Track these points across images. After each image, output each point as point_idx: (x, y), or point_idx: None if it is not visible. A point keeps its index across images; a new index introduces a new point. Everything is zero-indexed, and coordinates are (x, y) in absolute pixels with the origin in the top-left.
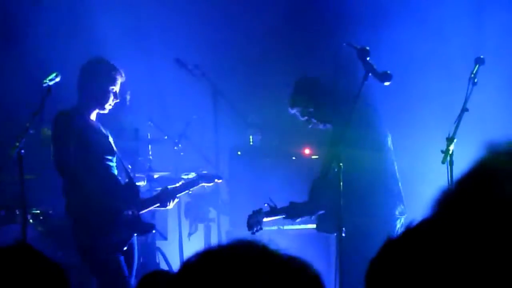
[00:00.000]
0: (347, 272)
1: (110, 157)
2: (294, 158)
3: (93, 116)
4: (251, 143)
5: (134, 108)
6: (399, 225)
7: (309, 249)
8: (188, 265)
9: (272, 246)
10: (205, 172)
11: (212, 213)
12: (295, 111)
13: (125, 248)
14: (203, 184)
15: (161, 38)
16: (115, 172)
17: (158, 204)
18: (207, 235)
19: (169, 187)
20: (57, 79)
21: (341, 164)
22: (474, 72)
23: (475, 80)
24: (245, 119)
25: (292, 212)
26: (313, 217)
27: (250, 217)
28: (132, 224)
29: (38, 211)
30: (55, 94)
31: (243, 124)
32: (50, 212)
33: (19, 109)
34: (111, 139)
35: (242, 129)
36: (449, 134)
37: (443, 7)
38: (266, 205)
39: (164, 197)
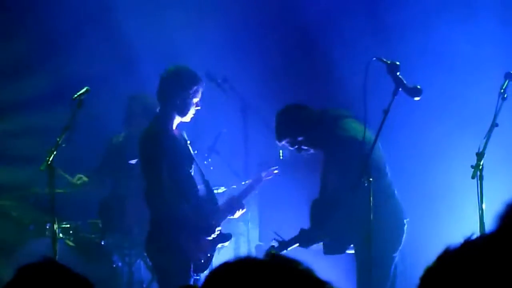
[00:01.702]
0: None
1: (190, 165)
2: None
3: (175, 125)
4: (281, 157)
5: None
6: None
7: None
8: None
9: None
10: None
11: (242, 227)
12: (284, 143)
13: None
14: (265, 178)
15: (191, 52)
16: (194, 179)
17: (230, 215)
18: (237, 249)
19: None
20: (88, 94)
21: (371, 178)
22: (504, 87)
23: (505, 95)
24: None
25: (303, 240)
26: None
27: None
28: (215, 238)
29: (68, 225)
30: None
31: (272, 138)
32: (80, 226)
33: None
34: (189, 142)
35: (272, 143)
36: (479, 149)
37: (474, 21)
38: (273, 241)
39: (234, 206)
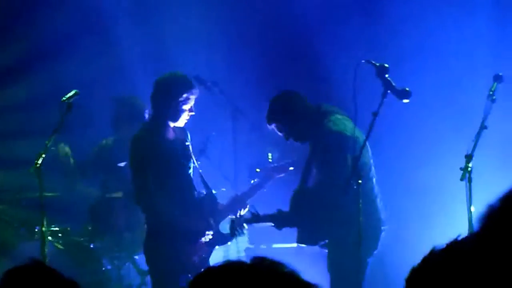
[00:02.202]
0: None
1: (186, 167)
2: None
3: (169, 128)
4: (270, 160)
5: None
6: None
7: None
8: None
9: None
10: (275, 165)
11: None
12: (273, 127)
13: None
14: (278, 175)
15: (181, 55)
16: (191, 180)
17: (231, 214)
18: (226, 252)
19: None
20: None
21: (360, 181)
22: (493, 89)
23: (494, 98)
24: (264, 136)
25: (278, 221)
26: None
27: (231, 222)
28: (212, 239)
29: (57, 228)
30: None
31: (261, 141)
32: (69, 229)
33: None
34: (188, 138)
35: (261, 146)
36: (467, 152)
37: (462, 24)
38: (247, 212)
39: (235, 206)
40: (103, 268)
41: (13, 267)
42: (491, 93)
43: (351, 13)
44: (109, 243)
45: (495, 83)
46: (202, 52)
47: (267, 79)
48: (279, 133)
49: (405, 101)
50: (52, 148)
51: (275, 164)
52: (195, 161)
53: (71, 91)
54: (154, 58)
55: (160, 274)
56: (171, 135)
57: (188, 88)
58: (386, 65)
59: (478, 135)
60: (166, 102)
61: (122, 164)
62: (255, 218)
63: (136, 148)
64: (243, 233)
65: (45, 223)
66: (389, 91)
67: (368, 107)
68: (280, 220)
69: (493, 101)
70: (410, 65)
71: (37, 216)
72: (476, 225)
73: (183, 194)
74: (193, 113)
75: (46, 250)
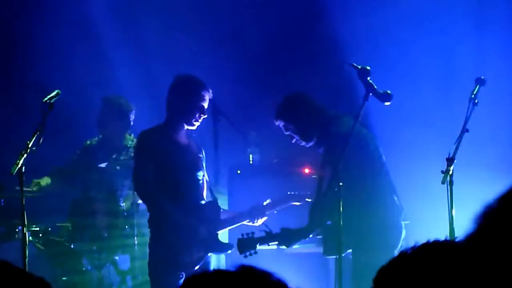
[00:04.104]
0: None
1: (194, 174)
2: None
3: (181, 132)
4: (251, 162)
5: (136, 127)
6: (404, 231)
7: (308, 269)
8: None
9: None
10: (292, 192)
11: None
12: (279, 124)
13: (197, 267)
14: (293, 203)
15: (162, 55)
16: (198, 188)
17: (248, 220)
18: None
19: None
20: (58, 97)
21: (341, 183)
22: (475, 92)
23: (476, 101)
24: (245, 137)
25: (285, 239)
26: (309, 239)
27: (240, 240)
28: (207, 243)
29: (38, 228)
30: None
31: (242, 143)
32: (49, 229)
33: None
34: (203, 155)
35: (242, 148)
36: (449, 155)
37: (445, 28)
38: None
39: (255, 213)
40: (84, 269)
41: None
42: (473, 96)
43: (335, 14)
44: (90, 243)
45: (478, 86)
46: (184, 53)
47: (248, 80)
48: (285, 132)
49: (387, 103)
50: (33, 148)
51: (294, 192)
52: (206, 174)
53: (53, 91)
54: (134, 57)
55: (154, 263)
56: (183, 139)
57: (203, 86)
58: (368, 67)
59: (460, 138)
60: (181, 100)
61: (103, 165)
62: (268, 237)
63: (142, 139)
64: (255, 252)
65: (26, 223)
66: (370, 94)
67: (351, 110)
68: (287, 238)
69: (475, 104)
70: (392, 68)
71: (18, 216)
72: (472, 224)
73: (183, 195)
74: (205, 116)
75: (27, 250)
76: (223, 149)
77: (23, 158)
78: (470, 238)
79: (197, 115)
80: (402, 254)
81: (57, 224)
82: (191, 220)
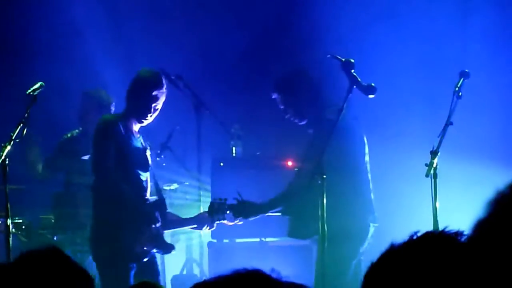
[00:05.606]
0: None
1: (142, 171)
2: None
3: (135, 127)
4: (234, 155)
5: None
6: (371, 233)
7: (291, 261)
8: None
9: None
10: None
11: None
12: (275, 97)
13: (145, 259)
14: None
15: (144, 48)
16: (146, 186)
17: (195, 226)
18: (189, 246)
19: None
20: (42, 89)
21: (324, 176)
22: (459, 85)
23: (460, 94)
24: (228, 130)
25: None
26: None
27: (212, 204)
28: (156, 239)
29: (21, 220)
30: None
31: (225, 135)
32: (32, 222)
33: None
34: (148, 153)
35: (225, 140)
36: (433, 148)
37: (429, 20)
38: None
39: (203, 220)
40: None
41: (29, 251)
42: (457, 89)
43: (318, 6)
44: (72, 236)
45: (462, 79)
46: (167, 46)
47: (231, 74)
48: (280, 106)
49: (371, 96)
50: (17, 140)
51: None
52: (149, 176)
53: (36, 83)
54: (117, 50)
55: (105, 260)
56: (135, 134)
57: (158, 85)
58: (352, 60)
59: (444, 131)
60: (135, 96)
61: (86, 157)
62: (238, 205)
63: (105, 126)
64: (224, 218)
65: (10, 215)
66: (354, 86)
67: (335, 103)
68: (268, 206)
69: (459, 97)
70: (375, 61)
71: (1, 208)
72: (483, 210)
73: (135, 186)
74: (156, 113)
75: (11, 243)
76: (206, 141)
77: (6, 150)
78: (481, 224)
79: (148, 115)
80: (394, 248)
81: (40, 216)
82: (150, 212)
